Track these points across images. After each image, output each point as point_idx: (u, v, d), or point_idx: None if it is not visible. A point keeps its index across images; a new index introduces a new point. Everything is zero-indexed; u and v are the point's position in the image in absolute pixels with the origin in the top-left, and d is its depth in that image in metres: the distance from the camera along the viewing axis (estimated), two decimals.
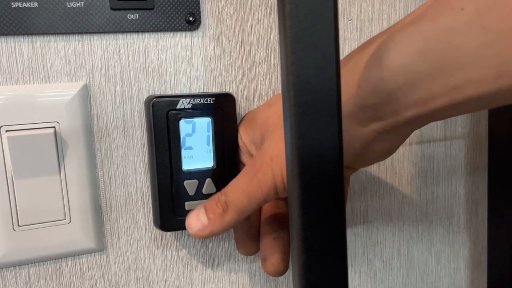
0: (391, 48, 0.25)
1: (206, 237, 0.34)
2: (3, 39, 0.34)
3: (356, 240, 0.48)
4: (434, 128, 0.49)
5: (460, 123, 0.51)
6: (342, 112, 0.23)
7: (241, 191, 0.32)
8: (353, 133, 0.28)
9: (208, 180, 0.37)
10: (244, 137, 0.37)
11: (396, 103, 0.26)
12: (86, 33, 0.36)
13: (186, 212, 0.36)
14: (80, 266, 0.38)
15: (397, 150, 0.48)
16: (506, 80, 0.22)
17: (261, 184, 0.31)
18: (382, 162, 0.48)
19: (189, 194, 0.36)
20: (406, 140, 0.48)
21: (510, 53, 0.21)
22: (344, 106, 0.27)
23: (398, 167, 0.48)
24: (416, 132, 0.49)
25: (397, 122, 0.27)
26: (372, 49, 0.27)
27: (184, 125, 0.36)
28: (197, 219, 0.34)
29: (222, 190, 0.34)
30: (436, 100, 0.25)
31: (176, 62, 0.38)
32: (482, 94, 0.23)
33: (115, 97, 0.37)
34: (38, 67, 0.35)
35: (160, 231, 0.40)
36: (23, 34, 0.34)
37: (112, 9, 0.35)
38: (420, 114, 0.26)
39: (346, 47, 0.44)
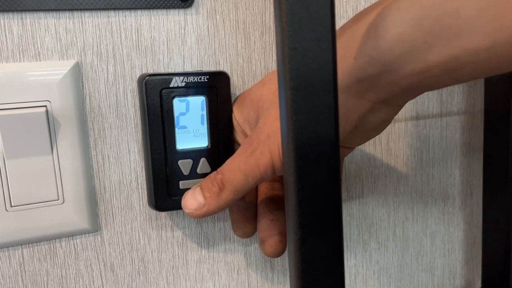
0: (387, 16, 0.25)
1: (202, 216, 0.33)
2: None
3: (351, 222, 0.48)
4: (430, 109, 0.49)
5: (456, 104, 0.50)
6: (339, 86, 0.22)
7: (238, 169, 0.32)
8: (350, 105, 0.28)
9: (202, 159, 0.36)
10: (238, 116, 0.37)
11: (392, 73, 0.26)
12: (77, 9, 0.35)
13: (180, 192, 0.36)
14: (74, 247, 0.38)
15: (393, 130, 0.48)
16: (499, 49, 0.22)
17: (258, 162, 0.31)
18: (377, 143, 0.47)
19: (183, 174, 0.36)
20: (402, 118, 0.48)
21: (505, 19, 0.21)
22: (340, 80, 0.26)
23: (393, 148, 0.48)
24: (412, 111, 0.48)
25: (393, 92, 0.27)
26: (368, 19, 0.27)
27: (178, 104, 0.35)
28: (193, 198, 0.34)
29: (218, 169, 0.33)
30: (431, 69, 0.25)
31: (169, 40, 0.38)
32: (476, 63, 0.23)
33: (107, 75, 0.37)
34: (28, 45, 0.34)
35: (154, 211, 0.40)
36: (12, 11, 0.33)
37: None
38: (415, 84, 0.26)
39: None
